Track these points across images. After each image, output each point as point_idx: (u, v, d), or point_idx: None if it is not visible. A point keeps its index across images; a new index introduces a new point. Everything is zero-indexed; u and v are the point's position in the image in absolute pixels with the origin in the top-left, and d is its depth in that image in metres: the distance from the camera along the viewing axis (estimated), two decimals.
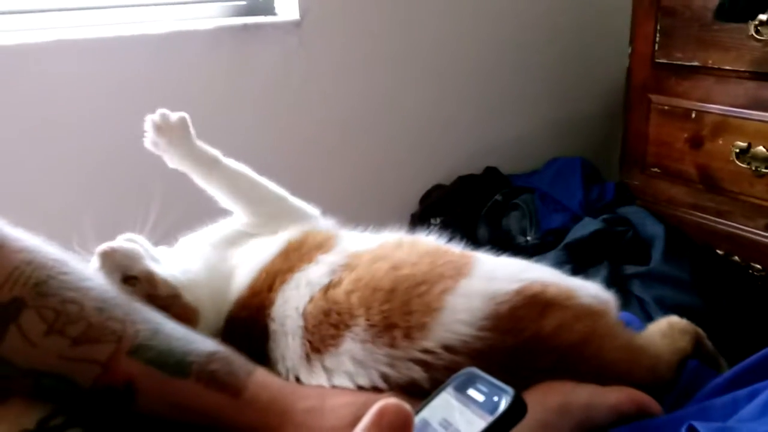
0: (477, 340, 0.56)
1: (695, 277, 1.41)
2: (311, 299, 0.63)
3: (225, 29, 1.48)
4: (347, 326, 0.59)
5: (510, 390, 0.38)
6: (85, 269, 0.65)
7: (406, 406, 0.35)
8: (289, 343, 0.63)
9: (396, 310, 0.58)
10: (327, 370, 0.60)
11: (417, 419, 0.39)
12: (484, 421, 0.37)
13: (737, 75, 1.39)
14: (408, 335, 0.57)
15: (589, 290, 0.65)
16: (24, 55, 1.29)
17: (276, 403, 0.60)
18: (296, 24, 1.54)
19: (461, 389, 0.40)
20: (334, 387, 0.60)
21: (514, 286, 0.59)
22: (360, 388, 0.59)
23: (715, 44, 1.42)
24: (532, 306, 0.59)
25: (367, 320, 0.59)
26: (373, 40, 1.66)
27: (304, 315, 0.62)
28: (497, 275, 0.61)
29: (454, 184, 1.84)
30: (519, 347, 0.57)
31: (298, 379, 0.62)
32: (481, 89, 1.88)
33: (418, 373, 0.56)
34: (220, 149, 1.50)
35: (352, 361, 0.59)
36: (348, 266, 0.65)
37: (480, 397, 0.39)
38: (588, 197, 1.68)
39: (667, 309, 1.30)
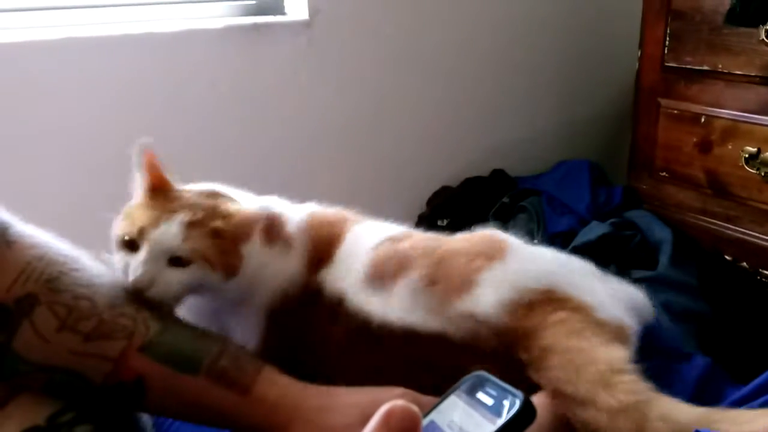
0: (494, 318, 0.66)
1: (703, 282, 1.40)
2: (379, 244, 0.76)
3: (234, 28, 1.48)
4: (405, 271, 0.71)
5: (520, 394, 0.38)
6: (97, 266, 0.65)
7: (414, 407, 0.35)
8: (353, 269, 0.74)
9: (441, 273, 0.70)
10: (382, 300, 0.71)
11: (425, 421, 0.39)
12: (493, 425, 0.37)
13: (747, 80, 1.39)
14: (446, 294, 0.68)
15: (608, 310, 0.69)
16: (32, 52, 1.29)
17: (284, 400, 0.60)
18: (306, 24, 1.54)
19: (470, 392, 0.40)
20: (383, 317, 0.70)
21: (540, 286, 0.68)
22: (405, 326, 0.68)
23: (726, 48, 1.41)
24: (547, 303, 0.67)
25: (421, 273, 0.70)
26: (381, 40, 1.66)
27: (373, 253, 0.75)
28: (529, 268, 0.71)
29: (461, 185, 1.83)
30: (519, 334, 0.66)
31: (339, 302, 0.72)
32: (489, 91, 1.88)
33: (448, 326, 0.67)
34: (227, 148, 1.52)
35: (401, 300, 0.70)
36: (405, 234, 0.80)
37: (489, 401, 0.39)
38: (595, 201, 1.67)
39: (674, 314, 1.29)
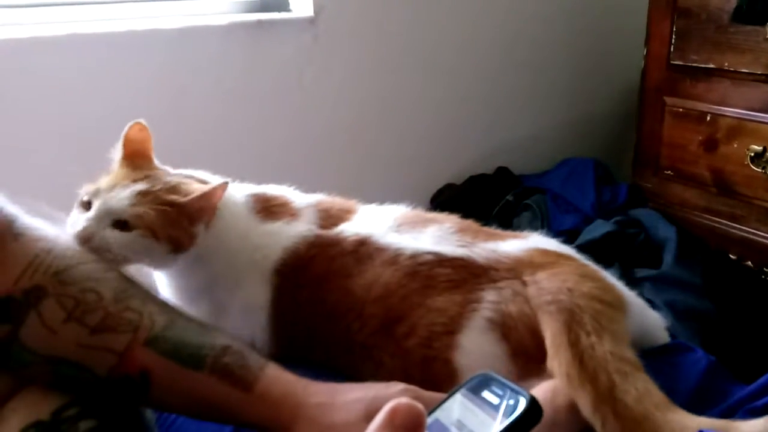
0: (513, 253, 0.77)
1: (707, 281, 1.39)
2: (401, 211, 0.87)
3: (239, 25, 1.48)
4: (436, 223, 0.82)
5: (526, 393, 0.38)
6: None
7: (419, 405, 0.35)
8: (377, 221, 0.82)
9: (470, 229, 0.83)
10: (413, 237, 0.80)
11: (430, 419, 0.39)
12: (498, 424, 0.37)
13: (753, 78, 1.38)
14: (475, 237, 0.80)
15: (613, 280, 0.79)
16: (37, 48, 1.29)
17: (287, 398, 0.60)
18: (310, 20, 1.54)
19: (476, 391, 0.40)
20: (414, 248, 0.78)
21: (556, 249, 0.81)
22: (437, 254, 0.77)
23: (732, 46, 1.40)
24: (559, 256, 0.79)
25: (451, 225, 0.82)
26: (386, 37, 1.66)
27: (399, 214, 0.85)
28: (541, 241, 0.83)
29: (465, 183, 1.83)
30: (531, 265, 0.76)
31: (363, 242, 0.80)
32: (494, 88, 1.87)
33: (471, 253, 0.77)
34: (232, 145, 1.52)
35: (432, 237, 0.80)
36: None
37: (495, 400, 0.39)
38: (600, 199, 1.66)
39: (678, 313, 1.29)
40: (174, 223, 0.75)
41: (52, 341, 0.58)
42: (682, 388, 0.73)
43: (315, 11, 1.54)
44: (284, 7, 1.59)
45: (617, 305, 0.72)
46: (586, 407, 0.63)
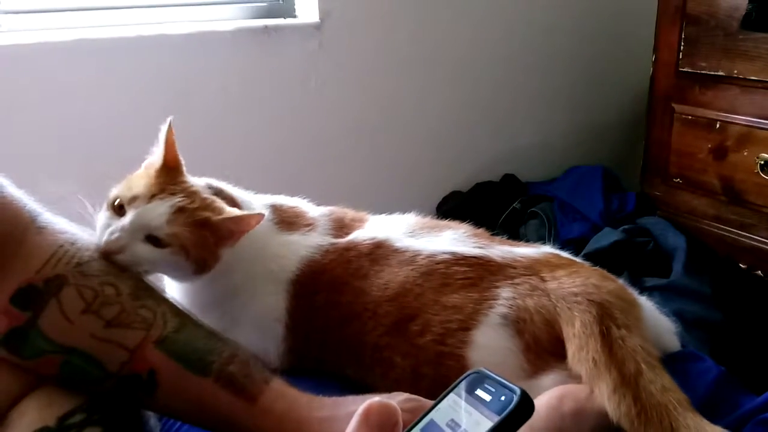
0: (531, 255, 0.80)
1: (717, 290, 1.38)
2: (412, 219, 0.89)
3: (245, 31, 1.48)
4: (451, 228, 0.85)
5: (517, 389, 0.38)
6: None
7: (392, 403, 0.37)
8: (390, 227, 0.85)
9: (485, 235, 0.86)
10: (430, 240, 0.82)
11: (425, 421, 0.39)
12: (491, 421, 0.37)
13: (763, 85, 1.37)
14: (490, 240, 0.83)
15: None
16: (44, 54, 1.30)
17: (291, 412, 0.60)
18: (316, 27, 1.54)
19: (469, 390, 0.40)
20: (432, 249, 0.79)
21: (565, 254, 0.84)
22: (454, 253, 0.79)
23: (741, 54, 1.39)
24: (560, 258, 0.81)
25: (466, 230, 0.85)
26: (392, 44, 1.66)
27: (411, 220, 0.88)
28: (554, 250, 0.85)
29: (472, 191, 1.82)
30: (549, 264, 0.79)
31: (379, 245, 0.82)
32: (500, 95, 1.87)
33: (488, 252, 0.79)
34: (238, 149, 1.52)
35: (448, 239, 0.82)
36: None
37: (487, 397, 0.39)
38: (608, 207, 1.65)
39: (687, 323, 1.27)
40: (206, 245, 0.74)
41: (68, 330, 0.59)
42: (692, 397, 0.72)
43: (320, 17, 1.54)
44: (290, 13, 1.59)
45: (637, 306, 0.74)
46: (605, 391, 0.64)
